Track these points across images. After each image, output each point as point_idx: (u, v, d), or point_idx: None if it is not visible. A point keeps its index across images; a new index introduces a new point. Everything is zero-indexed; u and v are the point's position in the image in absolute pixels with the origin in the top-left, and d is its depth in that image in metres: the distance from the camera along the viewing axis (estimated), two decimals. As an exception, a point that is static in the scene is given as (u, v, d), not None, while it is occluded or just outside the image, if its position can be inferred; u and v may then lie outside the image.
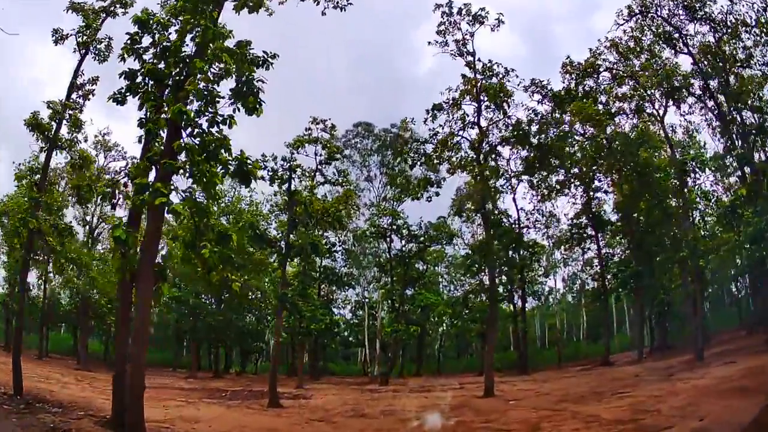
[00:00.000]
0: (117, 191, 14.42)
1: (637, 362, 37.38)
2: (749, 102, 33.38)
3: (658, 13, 36.06)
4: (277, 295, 32.74)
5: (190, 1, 14.14)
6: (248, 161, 12.43)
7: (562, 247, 54.74)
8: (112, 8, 20.92)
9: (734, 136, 33.92)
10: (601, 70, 38.73)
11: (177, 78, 14.38)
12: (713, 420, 13.04)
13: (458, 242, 57.73)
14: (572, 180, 44.26)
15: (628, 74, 38.11)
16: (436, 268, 65.00)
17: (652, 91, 37.57)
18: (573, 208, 47.39)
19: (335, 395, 31.95)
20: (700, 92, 35.35)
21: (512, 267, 42.89)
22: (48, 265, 34.25)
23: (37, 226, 18.06)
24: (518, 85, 31.44)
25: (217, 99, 13.27)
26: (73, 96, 23.08)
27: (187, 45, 14.86)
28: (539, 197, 47.19)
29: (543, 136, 31.78)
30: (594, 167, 42.35)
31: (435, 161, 30.75)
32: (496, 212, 31.09)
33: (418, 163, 31.43)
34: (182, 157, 13.08)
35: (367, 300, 60.76)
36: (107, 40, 23.77)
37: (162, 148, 13.13)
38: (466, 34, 32.23)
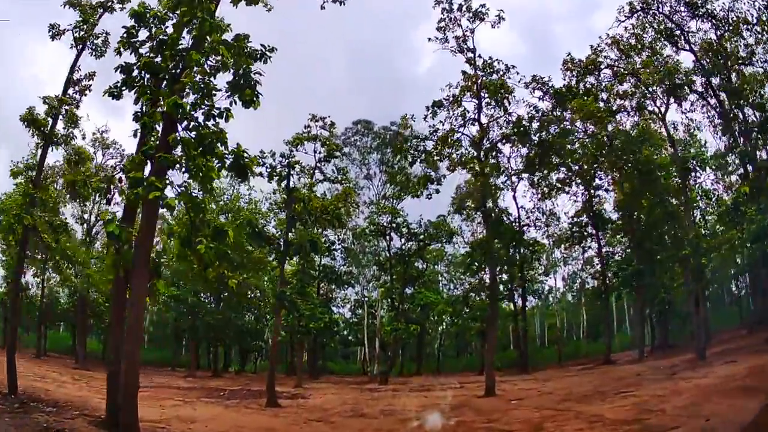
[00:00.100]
0: (112, 186, 14.16)
1: (639, 361, 37.21)
2: (751, 99, 33.17)
3: (660, 10, 35.87)
4: (275, 293, 32.47)
5: (187, -6, 13.86)
6: (245, 154, 12.16)
7: (562, 246, 54.73)
8: (109, 3, 20.67)
9: (736, 133, 33.63)
10: (602, 67, 38.58)
11: (173, 71, 14.13)
12: (719, 420, 12.78)
13: (458, 241, 57.74)
14: (573, 178, 44.13)
15: (629, 71, 37.92)
16: (436, 266, 64.85)
17: (654, 88, 37.42)
18: (574, 206, 47.27)
19: (334, 394, 31.71)
20: (702, 89, 35.12)
21: (513, 265, 42.64)
22: (43, 263, 33.98)
23: (32, 223, 17.80)
24: (519, 81, 31.16)
25: (213, 92, 12.99)
26: (70, 91, 22.97)
27: (184, 38, 14.66)
28: (539, 195, 47.14)
29: (544, 132, 31.43)
30: (595, 165, 42.12)
31: (435, 158, 30.45)
32: (496, 210, 30.68)
33: (418, 160, 31.13)
34: (178, 151, 12.86)
35: (366, 299, 60.58)
36: (104, 35, 23.69)
37: (158, 142, 12.86)
38: (466, 31, 31.99)
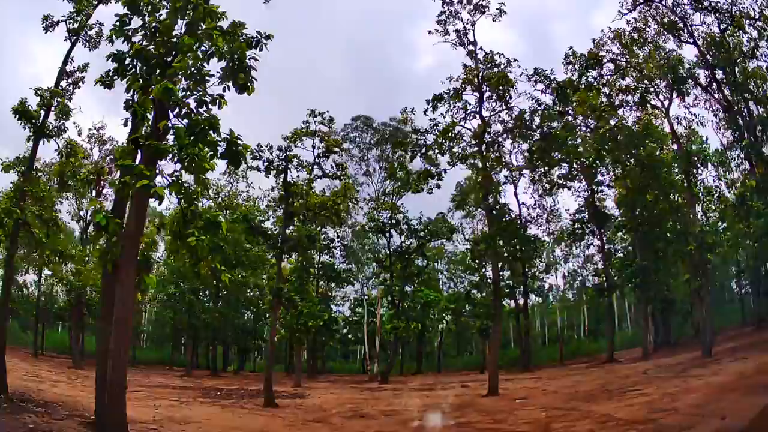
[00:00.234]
0: (102, 178, 13.59)
1: (643, 359, 36.85)
2: (756, 94, 32.78)
3: (663, 2, 35.46)
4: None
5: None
6: (238, 141, 11.57)
7: (563, 244, 54.50)
8: (105, -6, 20.23)
9: (742, 127, 33.18)
10: (604, 61, 38.22)
11: (166, 59, 13.61)
12: (736, 419, 12.19)
13: (458, 239, 57.51)
14: (575, 173, 43.76)
15: (632, 65, 37.55)
16: (436, 264, 64.53)
17: (657, 82, 37.08)
18: (577, 201, 46.95)
19: (334, 394, 31.18)
20: (706, 83, 34.71)
21: (517, 260, 42.16)
22: (35, 259, 33.43)
23: (21, 217, 17.27)
24: (520, 75, 30.61)
25: (206, 77, 12.41)
26: (63, 83, 22.50)
27: (178, 26, 14.14)
28: (541, 191, 46.81)
29: (546, 126, 30.90)
30: (598, 160, 41.70)
31: (436, 151, 29.92)
32: (498, 206, 30.11)
33: (419, 154, 30.60)
34: (171, 141, 12.36)
35: (366, 297, 60.19)
36: (98, 26, 23.20)
37: (149, 130, 12.31)
38: (467, 23, 31.58)
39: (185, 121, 11.88)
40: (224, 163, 12.56)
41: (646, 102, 38.50)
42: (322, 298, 53.95)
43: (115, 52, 14.38)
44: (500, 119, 30.66)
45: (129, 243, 11.35)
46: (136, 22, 14.74)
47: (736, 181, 42.15)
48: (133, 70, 14.08)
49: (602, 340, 54.94)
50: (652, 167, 38.40)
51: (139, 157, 12.26)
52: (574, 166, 43.50)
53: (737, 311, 45.84)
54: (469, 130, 30.08)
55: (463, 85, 30.38)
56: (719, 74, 33.75)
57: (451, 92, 30.30)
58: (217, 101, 12.06)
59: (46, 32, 24.66)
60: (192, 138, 11.42)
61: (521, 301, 50.64)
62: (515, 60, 30.49)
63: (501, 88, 29.78)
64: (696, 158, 37.57)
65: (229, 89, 12.36)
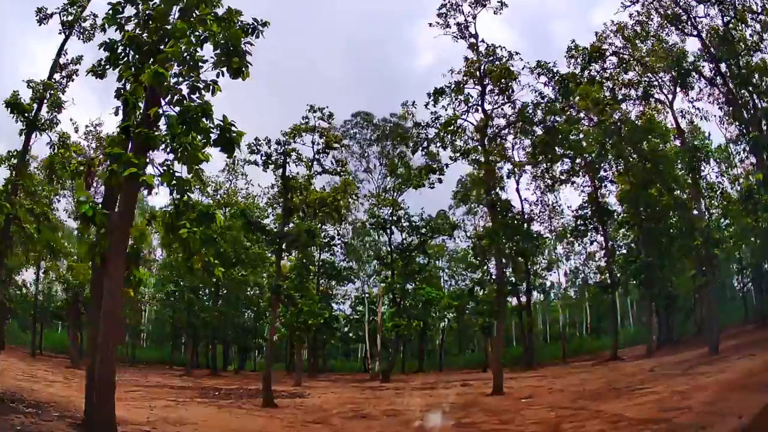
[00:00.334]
0: (92, 169, 13.07)
1: (648, 356, 36.50)
2: (760, 86, 32.34)
3: (666, -6, 34.98)
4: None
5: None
6: (232, 127, 11.05)
7: (564, 241, 54.11)
8: (101, -14, 19.74)
9: (747, 120, 32.71)
10: (607, 54, 37.76)
11: (159, 46, 13.12)
12: (754, 418, 11.65)
13: (459, 235, 57.08)
14: (578, 169, 43.40)
15: (635, 58, 37.10)
16: (437, 262, 64.11)
17: (661, 75, 36.67)
18: (581, 196, 46.55)
19: (334, 393, 30.67)
20: (711, 75, 34.24)
21: (521, 255, 41.73)
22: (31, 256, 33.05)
23: (12, 212, 16.81)
24: (522, 69, 30.10)
25: (200, 63, 11.88)
26: (56, 76, 22.13)
27: (172, 13, 13.66)
28: (543, 187, 46.41)
29: (549, 119, 30.44)
30: (601, 154, 41.26)
31: (438, 145, 29.47)
32: (501, 201, 29.60)
33: (420, 147, 30.12)
34: (163, 130, 11.87)
35: (367, 295, 59.79)
36: (92, 17, 22.82)
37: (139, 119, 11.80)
38: (468, 16, 31.10)
39: (177, 109, 11.35)
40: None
41: (649, 96, 38.09)
42: (322, 296, 53.58)
43: (108, 40, 13.95)
44: (503, 113, 30.24)
45: (118, 235, 10.84)
46: (129, 10, 14.36)
47: (739, 177, 41.95)
48: (126, 58, 13.65)
49: (604, 338, 54.65)
50: (656, 162, 37.92)
51: (130, 147, 11.78)
52: (577, 161, 43.20)
53: (739, 309, 45.53)
54: (471, 123, 29.68)
55: (464, 78, 29.93)
56: (723, 67, 33.29)
57: (453, 86, 29.88)
58: (211, 87, 11.54)
59: (40, 25, 24.33)
60: (184, 126, 10.91)
61: (524, 299, 50.18)
62: (517, 53, 30.09)
63: (503, 81, 29.31)
64: (700, 153, 37.17)
65: (222, 74, 11.83)
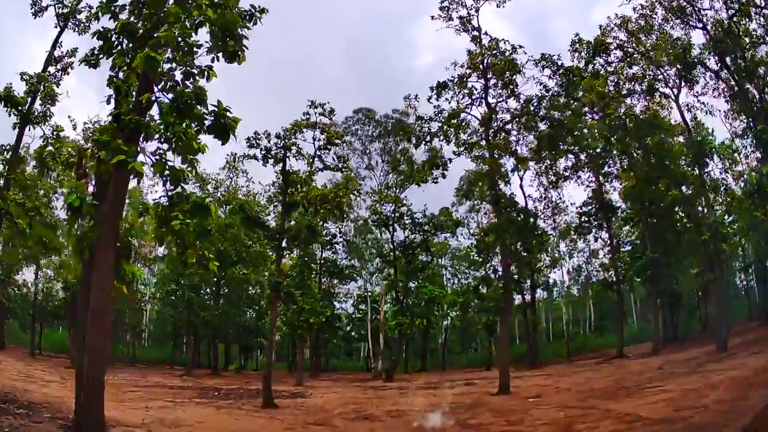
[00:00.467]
0: (84, 161, 12.55)
1: (654, 354, 36.06)
2: (764, 80, 31.90)
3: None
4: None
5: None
6: (227, 113, 10.52)
7: (567, 238, 53.73)
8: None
9: (755, 112, 32.26)
10: (611, 48, 37.35)
11: (153, 34, 12.64)
12: (755, 417, 11.10)
13: (462, 233, 56.71)
14: (583, 165, 43.00)
15: (639, 52, 36.66)
16: (439, 260, 63.72)
17: (665, 69, 36.25)
18: (586, 191, 46.22)
19: (336, 393, 30.15)
20: (717, 68, 33.79)
21: (528, 251, 41.23)
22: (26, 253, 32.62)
23: (4, 206, 16.34)
24: (526, 62, 29.56)
25: (195, 48, 11.37)
26: (51, 69, 21.74)
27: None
28: (547, 184, 45.97)
29: (554, 113, 29.96)
30: (606, 149, 40.81)
31: (441, 139, 28.99)
32: (504, 197, 29.08)
33: (423, 142, 29.63)
34: (156, 120, 11.40)
35: (369, 293, 59.39)
36: (88, 9, 22.45)
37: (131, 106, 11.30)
38: (470, 9, 30.58)
39: (171, 96, 10.85)
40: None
41: (654, 90, 37.63)
42: (324, 294, 53.19)
43: (101, 29, 13.50)
44: (507, 107, 29.78)
45: (107, 226, 10.33)
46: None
47: (743, 174, 41.65)
48: (120, 47, 13.20)
49: (608, 336, 54.37)
50: (661, 157, 37.44)
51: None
52: (581, 157, 42.79)
53: (742, 306, 45.20)
54: (475, 117, 29.21)
55: (468, 71, 29.45)
56: (728, 60, 32.85)
57: (456, 79, 29.38)
58: (206, 73, 11.01)
59: (35, 17, 23.96)
60: (177, 115, 10.41)
61: (528, 297, 49.75)
62: (521, 46, 29.58)
63: (507, 74, 28.84)
64: (705, 148, 36.75)
65: (218, 59, 11.31)
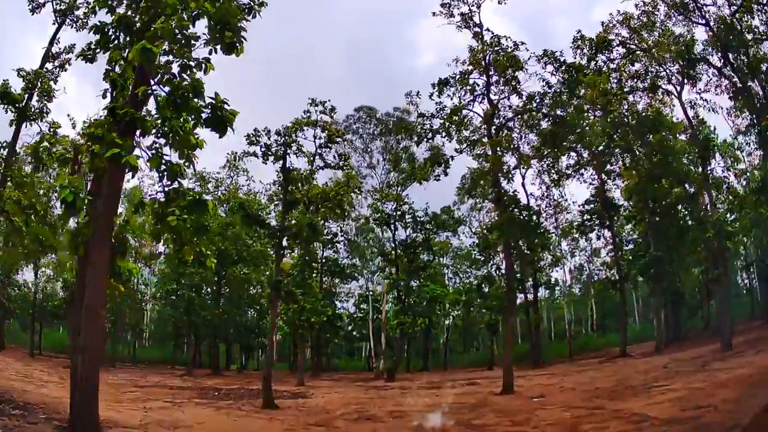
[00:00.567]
0: (79, 156, 12.32)
1: (657, 353, 35.84)
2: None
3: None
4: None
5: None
6: (224, 106, 10.26)
7: (569, 237, 53.57)
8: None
9: (758, 109, 32.03)
10: (614, 44, 37.15)
11: (150, 26, 12.43)
12: (754, 417, 10.82)
13: (464, 231, 56.54)
14: (585, 162, 42.79)
15: (642, 48, 36.46)
16: (441, 259, 63.54)
17: (668, 65, 36.04)
18: (589, 189, 46.01)
19: (338, 393, 29.91)
20: (720, 65, 33.55)
21: (532, 249, 40.99)
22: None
23: (0, 204, 16.14)
24: (528, 59, 29.29)
25: (192, 40, 11.12)
26: (48, 65, 21.58)
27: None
28: (549, 182, 45.78)
29: (557, 110, 29.70)
30: (609, 147, 40.59)
31: (443, 136, 28.73)
32: (506, 195, 28.81)
33: (425, 139, 29.36)
34: (153, 114, 11.20)
35: (371, 292, 59.20)
36: (85, 4, 22.25)
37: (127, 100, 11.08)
38: (472, 5, 30.31)
39: (167, 89, 10.59)
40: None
41: (656, 87, 37.43)
42: (325, 293, 53.01)
43: (98, 23, 13.32)
44: (509, 104, 29.53)
45: (101, 221, 10.09)
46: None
47: (746, 171, 41.49)
48: (116, 41, 13.00)
49: (610, 335, 54.20)
50: (664, 154, 37.21)
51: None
52: (584, 155, 42.59)
53: (745, 305, 45.14)
54: (477, 114, 28.98)
55: (469, 68, 29.20)
56: (731, 57, 32.62)
57: (458, 76, 29.14)
58: (203, 65, 10.75)
59: (33, 14, 23.78)
60: (174, 107, 10.16)
61: (530, 295, 49.56)
62: (522, 43, 29.29)
63: (510, 70, 28.58)
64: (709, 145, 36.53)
65: (215, 51, 11.05)
